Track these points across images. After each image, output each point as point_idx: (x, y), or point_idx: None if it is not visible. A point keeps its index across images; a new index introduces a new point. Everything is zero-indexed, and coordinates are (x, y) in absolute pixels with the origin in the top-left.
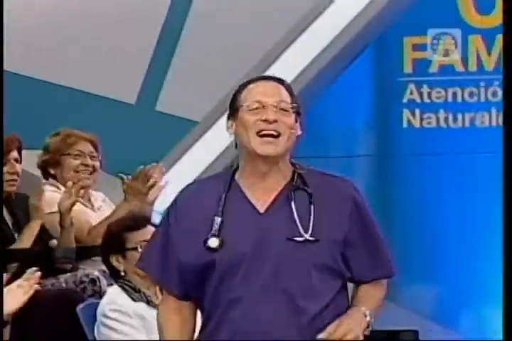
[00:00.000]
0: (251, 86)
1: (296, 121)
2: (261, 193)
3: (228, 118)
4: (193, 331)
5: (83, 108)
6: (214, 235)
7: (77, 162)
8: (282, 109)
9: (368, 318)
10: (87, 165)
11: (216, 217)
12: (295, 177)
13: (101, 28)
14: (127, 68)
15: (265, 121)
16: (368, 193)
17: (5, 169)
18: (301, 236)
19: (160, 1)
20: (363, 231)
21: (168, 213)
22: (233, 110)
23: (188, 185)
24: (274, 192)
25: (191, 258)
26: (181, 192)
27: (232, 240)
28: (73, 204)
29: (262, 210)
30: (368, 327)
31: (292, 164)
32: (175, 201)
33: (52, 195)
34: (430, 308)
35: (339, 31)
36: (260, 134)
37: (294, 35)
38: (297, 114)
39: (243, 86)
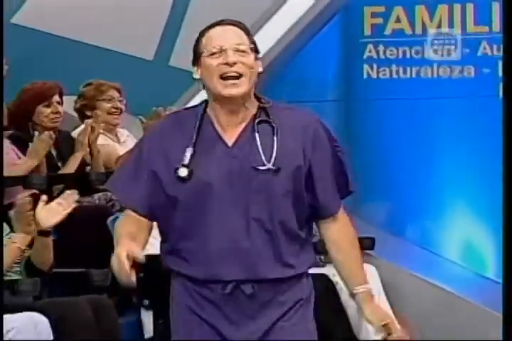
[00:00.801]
0: (209, 31)
1: (256, 59)
2: (229, 128)
3: (193, 64)
4: (145, 242)
5: (109, 63)
6: (184, 165)
7: (109, 105)
8: (241, 51)
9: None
10: (116, 108)
11: (188, 148)
12: (260, 112)
13: None
14: (147, 28)
15: (226, 64)
16: (336, 131)
17: (49, 110)
18: (264, 165)
19: None
20: (325, 159)
21: (142, 140)
22: (196, 56)
23: (166, 116)
24: (241, 126)
25: (162, 184)
26: (158, 122)
27: (200, 171)
28: (98, 135)
29: (230, 144)
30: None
31: (258, 99)
32: (151, 129)
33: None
34: (384, 220)
35: (313, 2)
36: (223, 77)
37: (277, 5)
38: (256, 52)
39: (203, 32)
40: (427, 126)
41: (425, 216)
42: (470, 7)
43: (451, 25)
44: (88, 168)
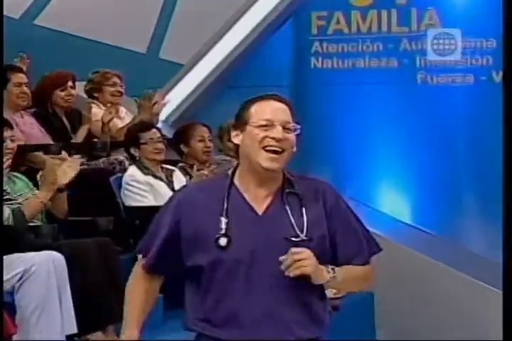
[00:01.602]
0: (261, 103)
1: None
2: (258, 197)
3: (235, 128)
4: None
5: (108, 56)
6: (223, 234)
7: (113, 89)
8: (287, 128)
9: (331, 273)
10: (118, 92)
11: (222, 218)
12: (286, 182)
13: None
14: (141, 24)
15: (273, 138)
16: None
17: (63, 93)
18: (298, 236)
19: None
20: (343, 224)
21: (168, 208)
22: (241, 123)
23: (186, 186)
24: (270, 196)
25: (198, 255)
26: (180, 191)
27: (237, 239)
28: (112, 119)
29: (260, 212)
30: (328, 281)
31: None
32: (175, 199)
33: (95, 110)
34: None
35: (272, 7)
36: (266, 149)
37: (245, 7)
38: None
39: (252, 102)
40: (361, 106)
41: (361, 181)
42: (394, 12)
43: (379, 26)
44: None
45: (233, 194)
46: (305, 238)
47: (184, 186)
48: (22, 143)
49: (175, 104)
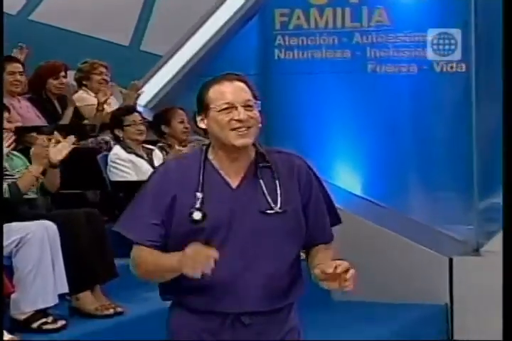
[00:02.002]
0: (217, 86)
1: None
2: (232, 172)
3: (198, 113)
4: None
5: (95, 48)
6: (198, 209)
7: (100, 77)
8: (249, 106)
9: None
10: (104, 80)
11: (197, 193)
12: (258, 156)
13: None
14: (125, 20)
15: (238, 120)
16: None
17: (56, 81)
18: (272, 209)
19: None
20: (315, 199)
21: (148, 186)
22: (202, 108)
23: (165, 163)
24: (243, 171)
25: (175, 227)
26: (160, 168)
27: (212, 213)
28: (107, 99)
29: (234, 186)
30: None
31: (254, 145)
32: (155, 176)
33: (84, 96)
34: None
35: (241, 5)
36: (233, 130)
37: (217, 4)
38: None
39: (209, 85)
40: (318, 92)
41: (319, 158)
42: (347, 10)
43: (334, 22)
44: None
45: (208, 169)
46: (279, 211)
47: (163, 163)
48: (19, 124)
49: (154, 91)
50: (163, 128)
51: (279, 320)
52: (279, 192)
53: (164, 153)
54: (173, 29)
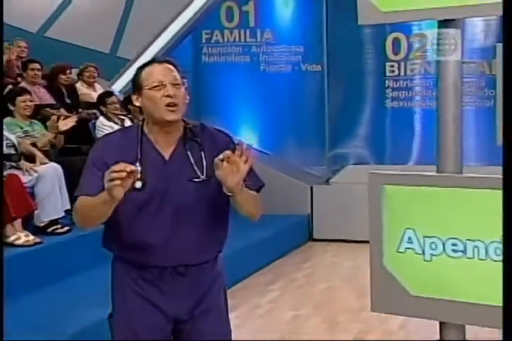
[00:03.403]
0: (148, 68)
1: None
2: (165, 145)
3: (134, 93)
4: None
5: (86, 55)
6: (138, 179)
7: (89, 74)
8: (176, 84)
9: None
10: (93, 76)
11: (137, 164)
12: (187, 131)
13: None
14: (106, 32)
15: (168, 96)
16: (191, 93)
17: (64, 76)
18: (198, 177)
19: None
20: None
21: (91, 157)
22: (137, 87)
23: (104, 137)
24: (174, 144)
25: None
26: (101, 142)
27: (150, 181)
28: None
29: (167, 158)
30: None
31: (183, 121)
32: (97, 149)
33: (80, 87)
34: None
35: (182, 25)
36: (165, 105)
37: (169, 23)
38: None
39: (141, 68)
40: (232, 84)
41: (235, 127)
42: (248, 30)
43: (239, 38)
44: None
45: (145, 142)
46: (205, 179)
47: (105, 135)
48: (37, 103)
49: (125, 82)
50: (129, 106)
51: (208, 268)
52: (204, 162)
53: (131, 121)
54: (140, 40)
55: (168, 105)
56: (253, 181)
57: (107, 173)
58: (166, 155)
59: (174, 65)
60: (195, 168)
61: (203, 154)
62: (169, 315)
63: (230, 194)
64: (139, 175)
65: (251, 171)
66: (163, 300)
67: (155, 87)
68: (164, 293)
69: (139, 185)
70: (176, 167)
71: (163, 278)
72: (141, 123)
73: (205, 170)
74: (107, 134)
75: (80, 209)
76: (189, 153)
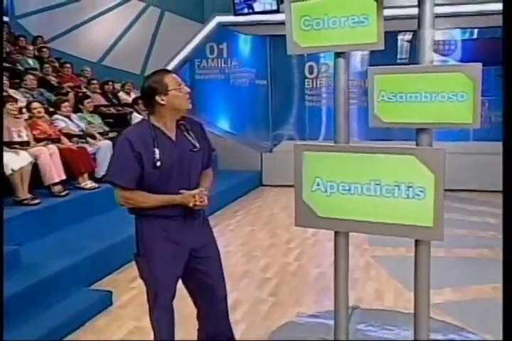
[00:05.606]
0: (167, 76)
1: None
2: (171, 130)
3: (158, 94)
4: None
5: (125, 75)
6: (158, 159)
7: (127, 88)
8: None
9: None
10: (130, 89)
11: (155, 149)
12: (179, 118)
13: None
14: (138, 57)
15: (187, 92)
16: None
17: (111, 88)
18: (196, 147)
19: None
20: (204, 145)
21: (121, 149)
22: (162, 90)
23: (127, 132)
24: (175, 128)
25: (144, 169)
26: (127, 135)
27: (165, 159)
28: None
29: (174, 139)
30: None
31: None
32: (123, 141)
33: (122, 96)
34: None
35: (184, 55)
36: (187, 99)
37: (178, 51)
38: None
39: (160, 76)
40: (212, 92)
41: (215, 117)
42: (221, 60)
43: (217, 65)
44: None
45: (156, 131)
46: (199, 149)
47: (127, 130)
48: (96, 103)
49: None
50: (136, 105)
51: (204, 215)
52: (194, 138)
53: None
54: (159, 65)
55: (188, 99)
56: (210, 162)
57: (186, 196)
58: (172, 136)
59: (176, 74)
60: (193, 141)
61: (191, 133)
62: (187, 247)
63: None
64: (157, 156)
65: (210, 154)
66: (183, 238)
67: (178, 88)
68: (184, 233)
69: (158, 163)
70: (181, 144)
71: (184, 222)
72: (146, 118)
73: (197, 144)
74: (127, 130)
75: (134, 200)
76: (185, 133)
